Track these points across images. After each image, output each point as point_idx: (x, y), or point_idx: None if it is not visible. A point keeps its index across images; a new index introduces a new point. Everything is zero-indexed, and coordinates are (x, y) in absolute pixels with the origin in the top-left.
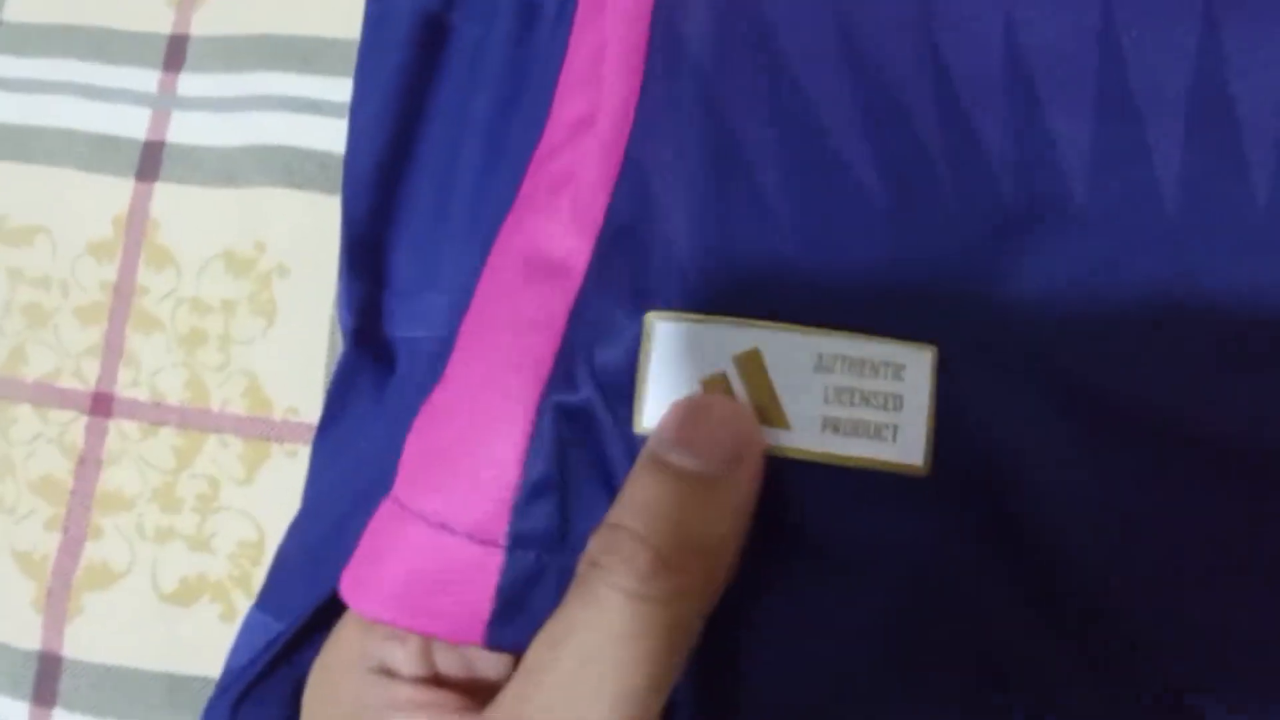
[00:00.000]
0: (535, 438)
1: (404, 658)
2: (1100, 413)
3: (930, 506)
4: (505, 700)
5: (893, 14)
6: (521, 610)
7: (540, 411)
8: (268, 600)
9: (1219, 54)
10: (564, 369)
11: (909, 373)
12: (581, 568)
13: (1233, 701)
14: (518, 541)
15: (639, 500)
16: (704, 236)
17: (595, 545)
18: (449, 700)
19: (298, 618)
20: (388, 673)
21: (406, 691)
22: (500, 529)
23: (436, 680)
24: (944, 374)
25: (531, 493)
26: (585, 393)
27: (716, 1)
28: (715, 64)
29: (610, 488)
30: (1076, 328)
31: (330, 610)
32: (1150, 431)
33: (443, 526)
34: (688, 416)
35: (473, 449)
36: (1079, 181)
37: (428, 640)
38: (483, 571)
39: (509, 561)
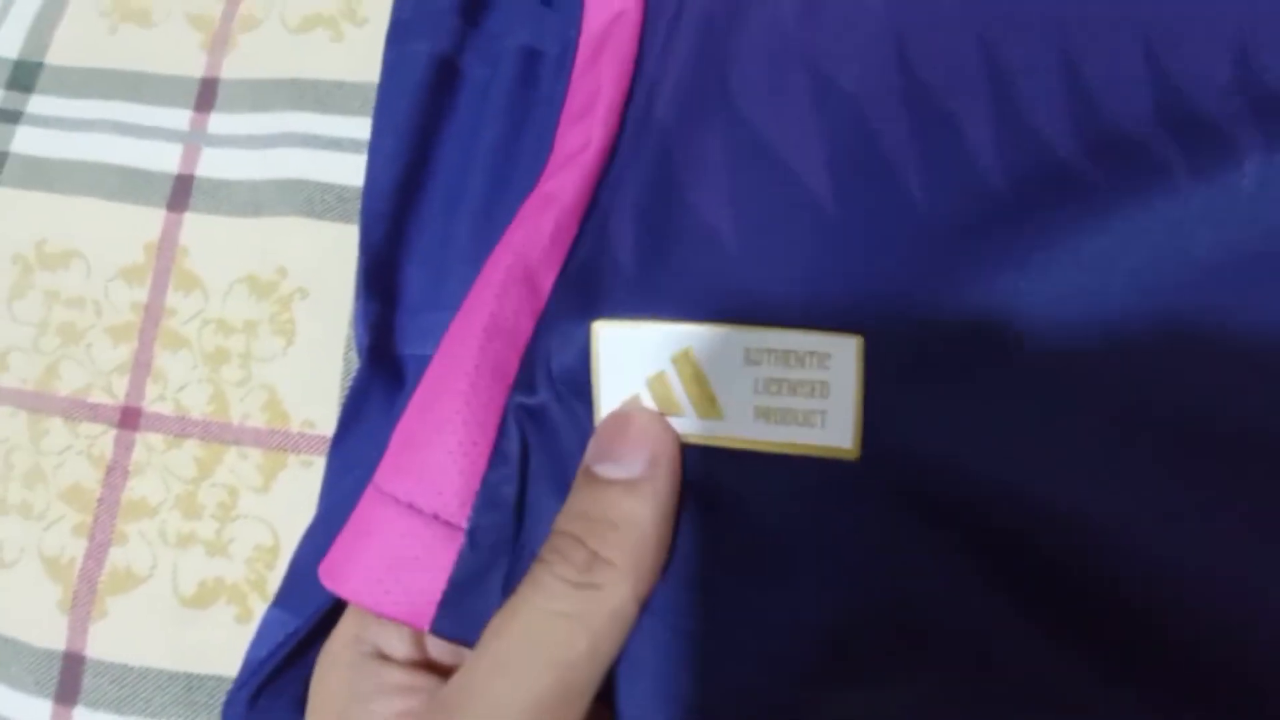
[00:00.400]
0: (502, 435)
1: (397, 642)
2: (1070, 406)
3: (866, 493)
4: (464, 668)
5: (866, 49)
6: (469, 597)
7: (507, 411)
8: (285, 598)
9: (1163, 72)
10: (527, 374)
11: (834, 361)
12: (531, 566)
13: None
14: (477, 529)
15: (576, 509)
16: (652, 254)
17: (543, 548)
18: (435, 684)
19: (312, 615)
20: (382, 657)
21: (396, 676)
22: (463, 515)
23: (427, 664)
24: (883, 365)
25: (495, 484)
26: (543, 395)
27: (688, 57)
28: (678, 116)
29: (564, 482)
30: (1071, 318)
31: (340, 610)
32: (1128, 423)
33: (411, 507)
34: (609, 431)
35: (445, 440)
36: (1080, 169)
37: None
38: (441, 554)
39: (467, 546)
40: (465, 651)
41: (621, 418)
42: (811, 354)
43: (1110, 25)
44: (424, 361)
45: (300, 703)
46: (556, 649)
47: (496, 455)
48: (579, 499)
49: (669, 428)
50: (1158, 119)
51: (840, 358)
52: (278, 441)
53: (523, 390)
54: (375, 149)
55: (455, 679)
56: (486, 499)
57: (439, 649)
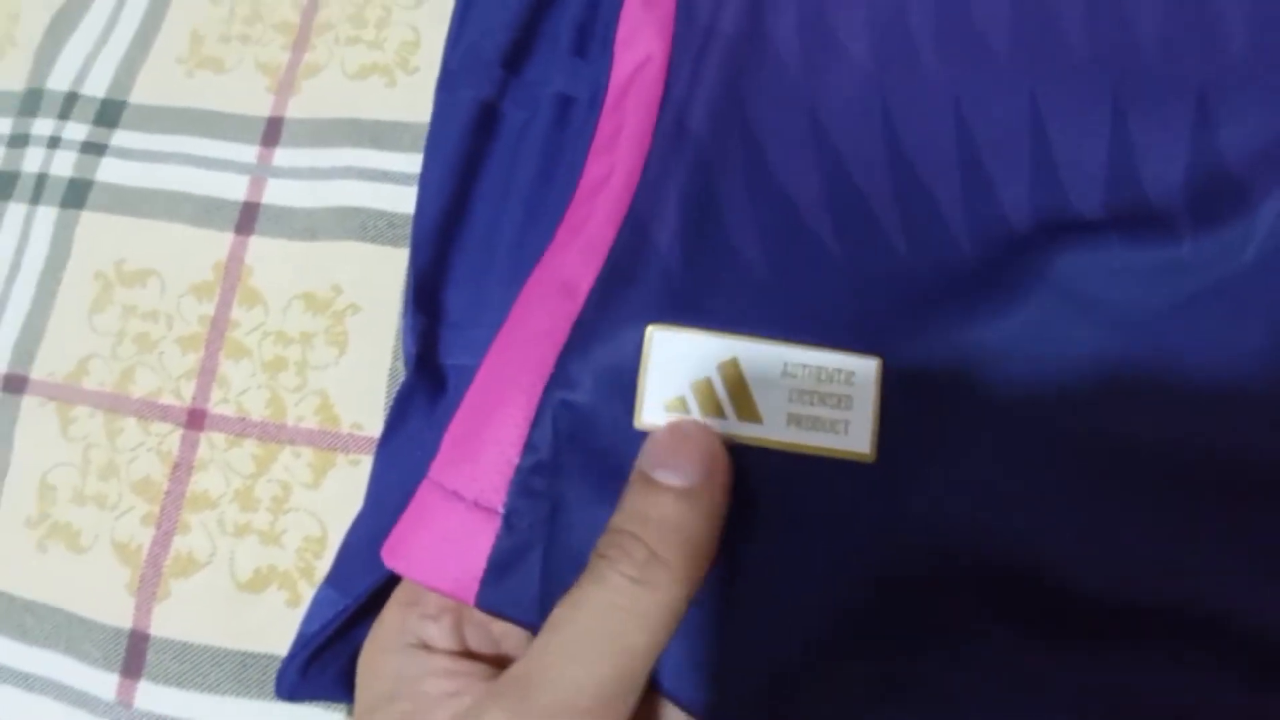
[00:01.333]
0: (536, 426)
1: (438, 634)
2: (1020, 435)
3: (877, 492)
4: (531, 651)
5: (856, 110)
6: (509, 575)
7: (542, 404)
8: (335, 579)
9: (1127, 139)
10: (564, 370)
11: (857, 378)
12: (592, 560)
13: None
14: (512, 512)
15: (634, 510)
16: (694, 269)
17: (602, 544)
18: (477, 669)
19: (360, 594)
20: (425, 647)
21: (441, 662)
22: (499, 499)
23: (467, 654)
24: (889, 382)
25: (528, 472)
26: (584, 391)
27: (712, 97)
28: (708, 146)
29: (603, 472)
30: (1023, 365)
31: (384, 593)
32: (1056, 442)
33: (454, 494)
34: (669, 441)
35: (484, 431)
36: (1033, 237)
37: (459, 619)
38: (481, 536)
39: (503, 529)
40: (503, 642)
41: (679, 430)
42: (839, 371)
43: (1079, 95)
44: (464, 371)
45: (343, 677)
46: (619, 640)
47: (529, 444)
48: (638, 501)
49: (723, 444)
50: (1108, 196)
51: (862, 376)
52: (328, 442)
53: (561, 386)
54: (424, 181)
55: (523, 662)
56: (520, 485)
57: (477, 640)
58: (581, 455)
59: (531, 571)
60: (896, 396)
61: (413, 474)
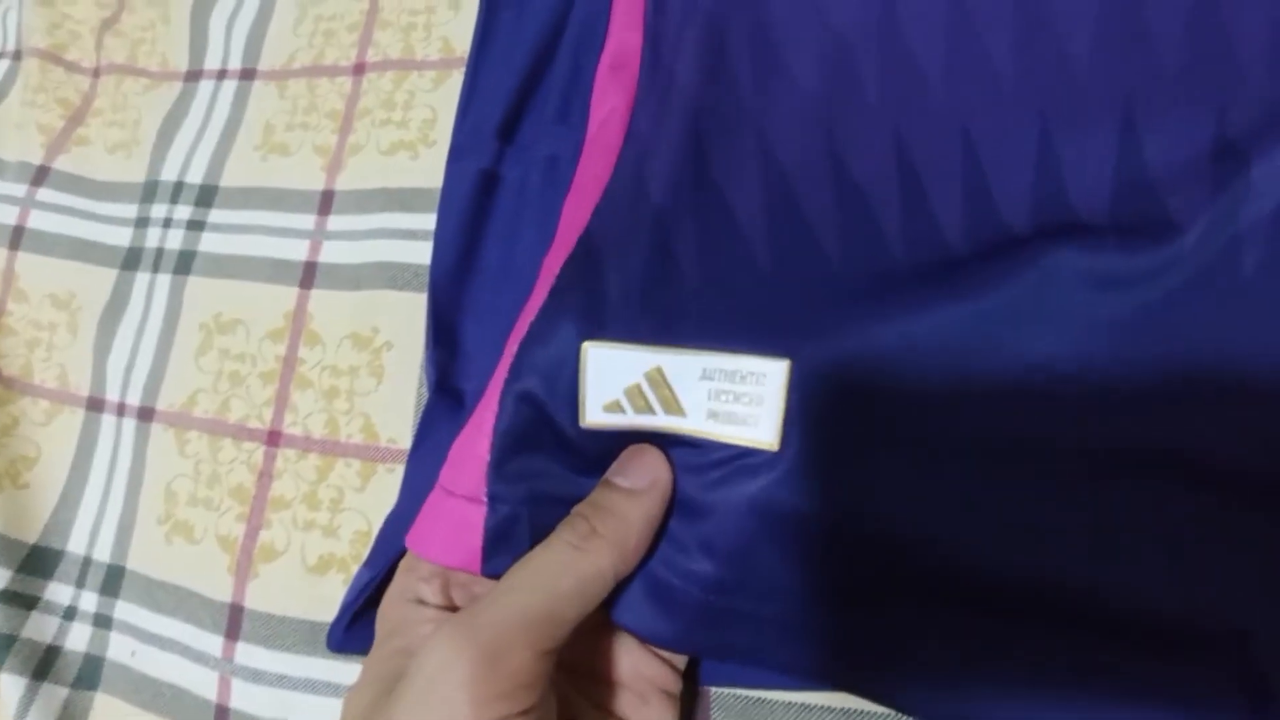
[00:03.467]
0: (499, 423)
1: (430, 592)
2: (921, 430)
3: (783, 475)
4: (491, 591)
5: (802, 134)
6: (504, 545)
7: (501, 407)
8: (371, 561)
9: (1054, 159)
10: (515, 376)
11: (768, 379)
12: (550, 535)
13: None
14: (494, 497)
15: (591, 500)
16: (629, 291)
17: (561, 523)
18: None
19: (382, 568)
20: (420, 602)
21: (430, 613)
22: (481, 490)
23: (451, 607)
24: (801, 383)
25: (498, 462)
26: (533, 391)
27: (668, 134)
28: (659, 175)
29: (563, 458)
30: (943, 369)
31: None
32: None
33: (451, 493)
34: (628, 456)
35: (467, 440)
36: (963, 253)
37: (445, 581)
38: (474, 520)
39: (489, 512)
40: (481, 597)
41: (638, 449)
42: (752, 373)
43: (1006, 121)
44: (476, 393)
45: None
46: (549, 582)
47: (495, 440)
48: (595, 494)
49: (669, 464)
50: (1035, 213)
51: (773, 377)
52: (371, 454)
53: (515, 384)
54: (438, 239)
55: (480, 599)
56: (494, 473)
57: (460, 597)
58: (543, 444)
59: (524, 537)
60: (807, 395)
61: (435, 477)
